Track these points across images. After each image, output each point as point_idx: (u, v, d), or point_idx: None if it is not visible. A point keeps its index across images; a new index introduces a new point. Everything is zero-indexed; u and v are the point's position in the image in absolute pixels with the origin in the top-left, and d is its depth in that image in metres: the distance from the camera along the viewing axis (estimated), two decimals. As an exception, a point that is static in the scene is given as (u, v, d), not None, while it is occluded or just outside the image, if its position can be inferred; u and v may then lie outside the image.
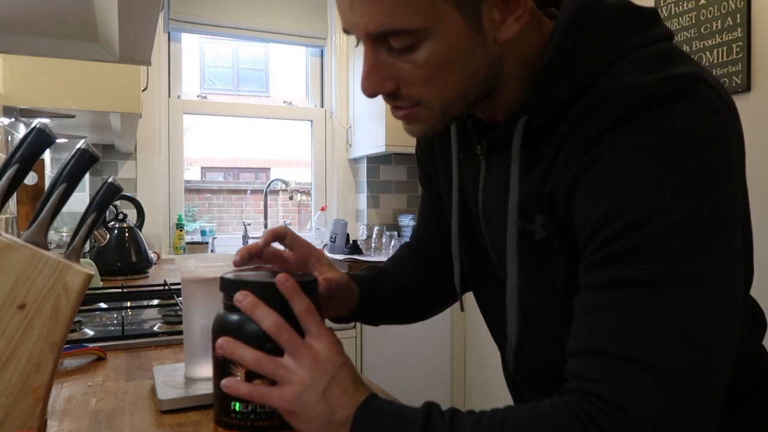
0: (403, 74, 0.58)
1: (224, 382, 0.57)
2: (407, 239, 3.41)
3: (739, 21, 1.80)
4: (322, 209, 3.43)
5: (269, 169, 3.70)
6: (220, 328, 0.59)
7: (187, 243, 3.07)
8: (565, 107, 0.57)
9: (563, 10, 0.60)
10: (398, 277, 0.89)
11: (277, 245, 0.73)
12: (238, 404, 0.57)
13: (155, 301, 1.53)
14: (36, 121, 0.60)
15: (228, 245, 3.24)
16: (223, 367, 0.58)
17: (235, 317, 0.59)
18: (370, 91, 0.60)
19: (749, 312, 0.71)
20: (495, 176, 0.69)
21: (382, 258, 2.92)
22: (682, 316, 0.49)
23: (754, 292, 0.72)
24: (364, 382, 0.60)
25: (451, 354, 2.82)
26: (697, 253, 0.49)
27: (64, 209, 0.64)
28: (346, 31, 0.60)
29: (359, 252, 3.02)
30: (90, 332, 1.15)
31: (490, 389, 2.65)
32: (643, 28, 0.59)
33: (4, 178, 0.58)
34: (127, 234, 2.30)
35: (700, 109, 0.51)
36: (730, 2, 1.82)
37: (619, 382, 0.49)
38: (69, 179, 0.61)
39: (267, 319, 0.57)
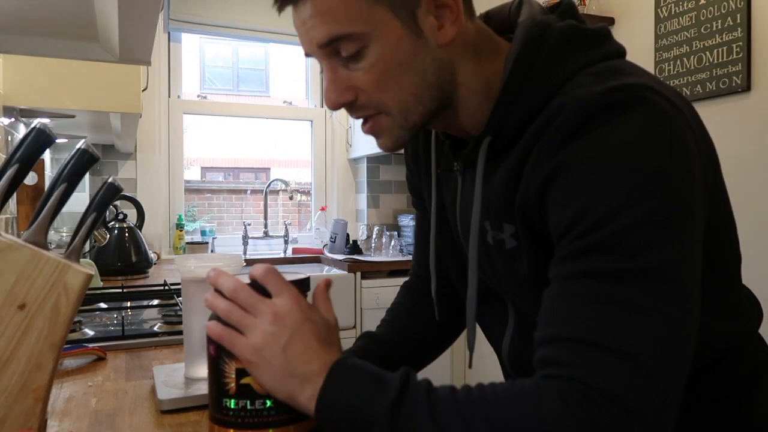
0: (358, 83, 0.63)
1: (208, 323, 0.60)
2: (408, 239, 3.39)
3: (739, 21, 1.80)
4: (322, 209, 3.43)
5: (269, 169, 3.69)
6: None
7: (187, 243, 3.07)
8: (524, 125, 0.62)
9: (515, 36, 0.64)
10: (398, 333, 0.88)
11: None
12: (231, 401, 0.58)
13: (155, 301, 1.53)
14: (36, 121, 0.60)
15: (228, 245, 3.24)
16: (216, 364, 0.59)
17: None
18: (332, 103, 0.64)
19: (745, 301, 0.73)
20: (469, 191, 0.72)
21: (382, 258, 2.92)
22: (643, 304, 0.52)
23: (755, 287, 0.73)
24: (335, 341, 0.61)
25: (451, 353, 2.82)
26: (657, 246, 0.52)
27: (64, 209, 0.64)
28: (308, 55, 0.65)
29: (359, 252, 3.02)
30: (90, 332, 1.15)
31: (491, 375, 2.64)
32: (591, 47, 0.63)
33: (4, 178, 0.58)
34: (127, 234, 2.30)
35: (647, 113, 0.55)
36: (730, 2, 1.82)
37: (588, 366, 0.51)
38: (69, 179, 0.61)
39: (227, 283, 0.59)
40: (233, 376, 0.58)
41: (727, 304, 0.58)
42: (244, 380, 0.58)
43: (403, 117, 0.64)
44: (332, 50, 0.61)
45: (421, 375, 0.58)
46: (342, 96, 0.63)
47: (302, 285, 0.62)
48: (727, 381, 0.69)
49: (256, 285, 0.59)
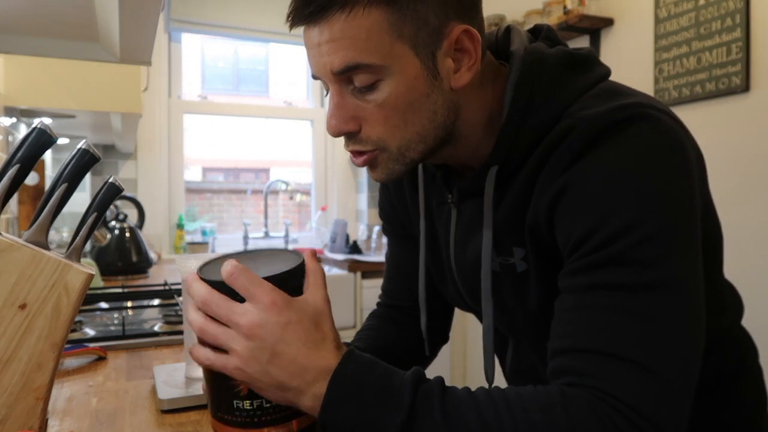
0: (365, 114, 0.61)
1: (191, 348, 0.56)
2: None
3: (738, 21, 1.80)
4: (322, 209, 3.43)
5: (269, 169, 3.69)
6: None
7: (188, 243, 3.07)
8: (530, 150, 0.62)
9: (512, 64, 0.65)
10: (375, 349, 0.83)
11: None
12: (246, 402, 0.55)
13: (156, 301, 1.53)
14: (37, 121, 0.60)
15: (228, 245, 3.25)
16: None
17: None
18: (334, 130, 0.62)
19: (727, 297, 0.75)
20: (466, 222, 0.72)
21: (382, 258, 2.92)
22: (660, 316, 0.53)
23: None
24: (326, 333, 0.55)
25: (451, 358, 2.82)
26: (670, 258, 0.54)
27: (65, 209, 0.64)
28: (315, 77, 0.64)
29: (359, 252, 3.02)
30: (91, 332, 1.15)
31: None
32: (585, 71, 0.64)
33: (5, 179, 0.58)
34: (127, 234, 2.31)
35: (654, 128, 0.56)
36: (730, 3, 1.82)
37: (610, 377, 0.52)
38: (70, 179, 0.61)
39: (197, 292, 0.54)
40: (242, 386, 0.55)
41: (711, 303, 0.60)
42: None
43: (401, 153, 0.63)
44: (345, 78, 0.60)
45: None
46: (346, 124, 0.62)
47: (290, 279, 0.55)
48: (714, 374, 0.71)
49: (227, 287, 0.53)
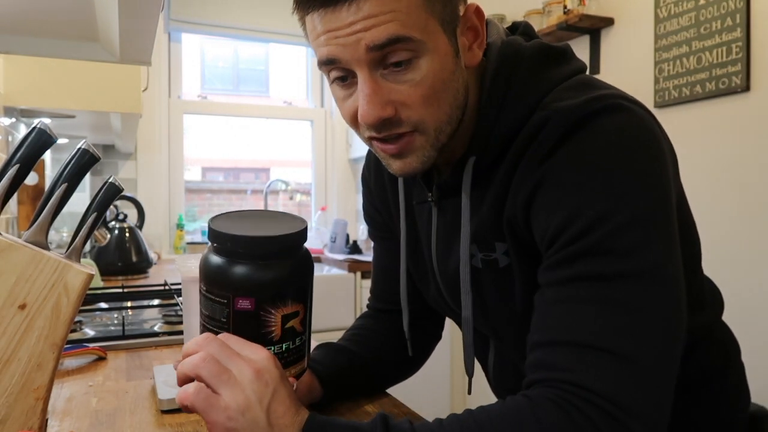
0: (401, 97, 0.59)
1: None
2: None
3: (738, 21, 1.80)
4: (322, 209, 3.43)
5: (269, 169, 3.69)
6: (205, 268, 0.59)
7: (188, 243, 3.07)
8: (507, 142, 0.62)
9: (489, 58, 0.65)
10: (361, 353, 0.84)
11: None
12: (275, 347, 0.58)
13: (156, 301, 1.53)
14: (37, 122, 0.60)
15: (228, 245, 3.24)
16: (256, 317, 0.57)
17: (218, 260, 0.58)
18: (374, 116, 0.58)
19: (708, 293, 0.75)
20: (449, 221, 0.72)
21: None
22: (638, 306, 0.52)
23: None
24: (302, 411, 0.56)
25: (450, 357, 2.82)
26: (647, 247, 0.53)
27: (65, 209, 0.64)
28: (330, 61, 0.59)
29: (359, 252, 3.02)
30: (90, 332, 1.15)
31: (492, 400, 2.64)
32: (560, 63, 0.65)
33: (5, 179, 0.58)
34: (127, 234, 2.31)
35: (627, 118, 0.56)
36: (730, 2, 1.82)
37: (585, 368, 0.52)
38: (70, 179, 0.61)
39: (195, 340, 0.55)
40: (278, 323, 0.58)
41: (691, 299, 0.60)
42: (289, 324, 0.59)
43: (436, 137, 0.62)
44: (379, 57, 0.57)
45: (419, 401, 0.56)
46: (384, 110, 0.58)
47: (299, 239, 0.59)
48: (697, 371, 0.71)
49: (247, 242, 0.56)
